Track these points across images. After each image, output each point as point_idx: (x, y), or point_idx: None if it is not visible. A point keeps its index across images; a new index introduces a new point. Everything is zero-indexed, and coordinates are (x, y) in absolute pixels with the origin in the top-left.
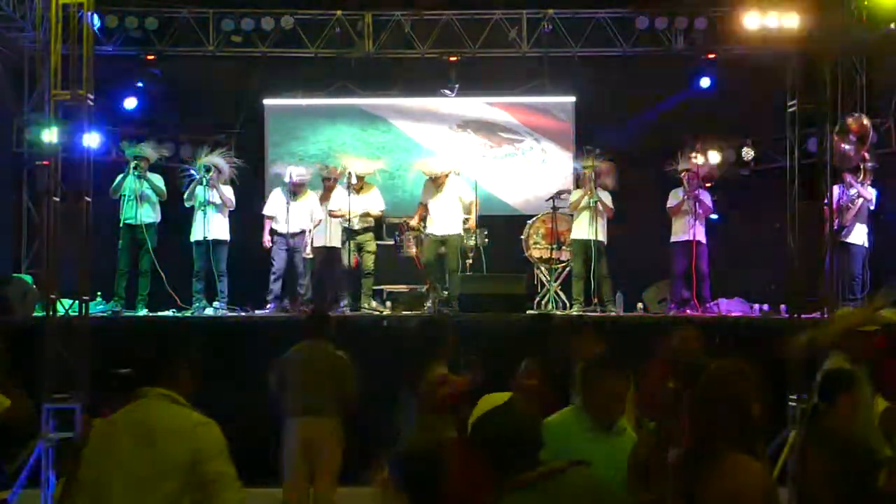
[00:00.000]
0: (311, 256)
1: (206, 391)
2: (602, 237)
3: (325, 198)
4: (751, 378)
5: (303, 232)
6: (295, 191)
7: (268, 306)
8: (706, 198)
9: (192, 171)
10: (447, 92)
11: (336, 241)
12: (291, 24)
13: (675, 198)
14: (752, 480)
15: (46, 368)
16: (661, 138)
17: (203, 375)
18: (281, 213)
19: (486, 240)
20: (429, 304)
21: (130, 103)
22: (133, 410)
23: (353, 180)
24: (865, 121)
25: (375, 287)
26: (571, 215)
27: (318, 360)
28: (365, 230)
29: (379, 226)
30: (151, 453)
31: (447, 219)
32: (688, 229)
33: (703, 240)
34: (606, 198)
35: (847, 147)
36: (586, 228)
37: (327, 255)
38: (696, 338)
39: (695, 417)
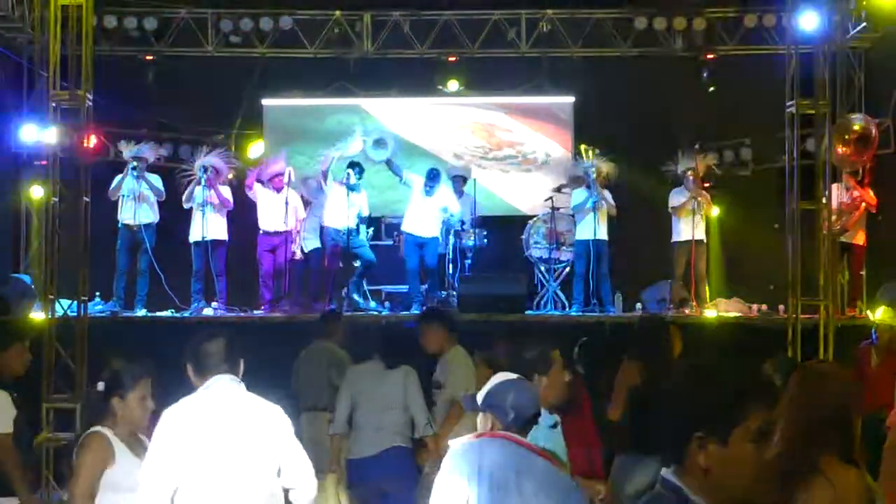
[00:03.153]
0: (300, 258)
1: None
2: (605, 236)
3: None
4: (850, 381)
5: (288, 231)
6: (280, 188)
7: (262, 308)
8: (706, 197)
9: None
10: (448, 88)
11: (314, 244)
12: (290, 24)
13: (679, 197)
14: (850, 491)
15: (45, 369)
16: (659, 138)
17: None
18: (267, 211)
19: (485, 240)
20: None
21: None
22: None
23: (353, 180)
24: (870, 124)
25: (374, 287)
26: (572, 215)
27: (318, 359)
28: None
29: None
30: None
31: (429, 222)
32: (691, 229)
33: (704, 238)
34: (608, 196)
35: (844, 149)
36: (590, 229)
37: (307, 257)
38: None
39: (791, 420)
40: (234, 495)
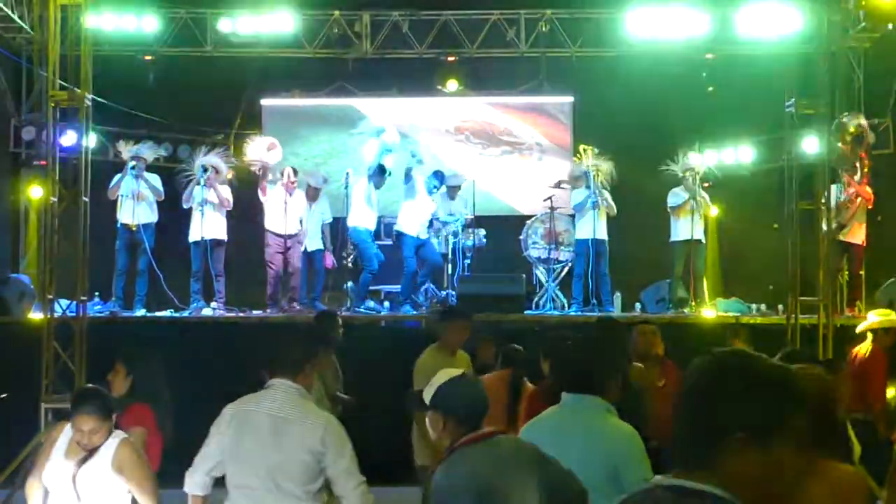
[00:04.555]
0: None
1: (208, 391)
2: (604, 236)
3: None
4: (829, 381)
5: (297, 234)
6: (291, 191)
7: (268, 310)
8: (706, 197)
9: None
10: (447, 88)
11: (316, 244)
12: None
13: (677, 197)
14: (849, 486)
15: (44, 369)
16: (659, 138)
17: (206, 376)
18: (278, 212)
19: (484, 240)
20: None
21: None
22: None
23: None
24: (862, 121)
25: (373, 287)
26: (571, 215)
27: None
28: None
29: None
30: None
31: (426, 223)
32: (690, 229)
33: (703, 239)
34: (608, 196)
35: (843, 147)
36: (589, 228)
37: (310, 257)
38: (654, 332)
39: None
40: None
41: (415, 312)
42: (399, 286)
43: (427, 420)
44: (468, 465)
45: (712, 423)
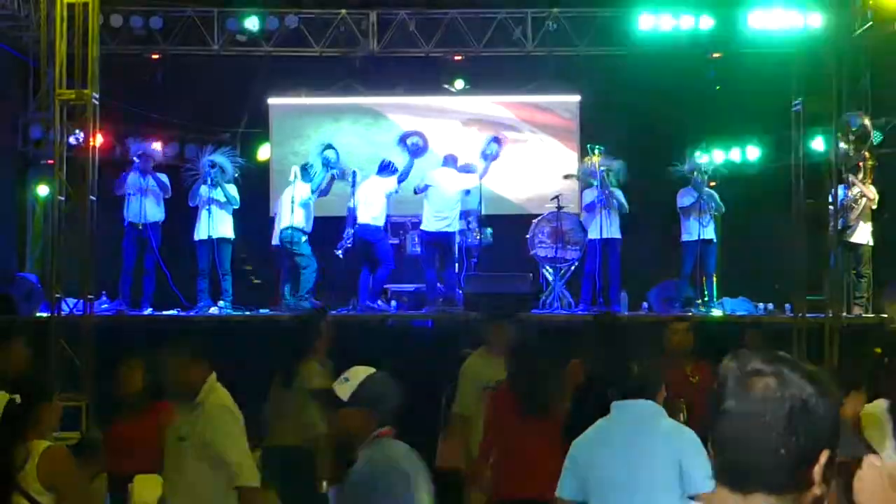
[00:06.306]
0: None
1: None
2: (615, 235)
3: None
4: None
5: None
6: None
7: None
8: (715, 196)
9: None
10: (454, 87)
11: None
12: (296, 23)
13: (687, 197)
14: None
15: (51, 367)
16: (666, 137)
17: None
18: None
19: (491, 239)
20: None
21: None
22: None
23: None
24: (866, 120)
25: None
26: (577, 214)
27: None
28: None
29: None
30: None
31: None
32: (699, 228)
33: (714, 238)
34: (619, 195)
35: (847, 146)
36: (601, 227)
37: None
38: (686, 330)
39: None
40: None
41: (424, 311)
42: (405, 285)
43: (345, 416)
44: (395, 450)
45: (799, 444)
